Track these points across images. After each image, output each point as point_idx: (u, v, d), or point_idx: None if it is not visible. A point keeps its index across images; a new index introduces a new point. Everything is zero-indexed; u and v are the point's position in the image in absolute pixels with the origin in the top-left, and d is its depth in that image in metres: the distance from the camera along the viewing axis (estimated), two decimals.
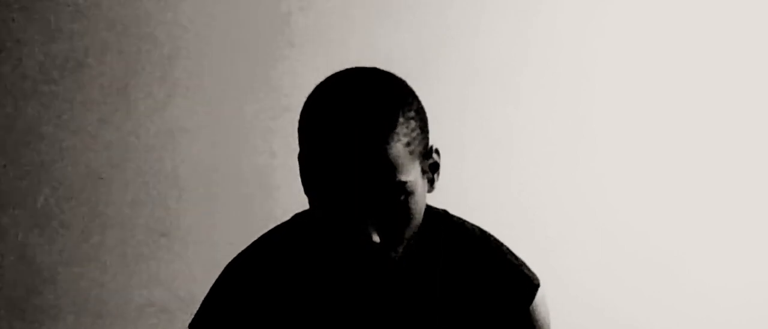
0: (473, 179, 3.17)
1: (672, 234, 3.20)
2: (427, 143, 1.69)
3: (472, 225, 1.84)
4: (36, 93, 3.13)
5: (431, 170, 1.71)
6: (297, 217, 1.84)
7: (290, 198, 3.09)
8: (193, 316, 1.86)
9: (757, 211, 3.19)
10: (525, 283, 1.81)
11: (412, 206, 1.65)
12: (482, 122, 3.16)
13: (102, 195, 3.15)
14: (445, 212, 1.83)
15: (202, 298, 1.85)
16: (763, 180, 3.19)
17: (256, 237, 1.86)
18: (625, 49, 3.17)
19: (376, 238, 1.63)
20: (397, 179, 1.61)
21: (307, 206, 1.79)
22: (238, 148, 3.15)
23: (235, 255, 1.87)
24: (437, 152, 1.72)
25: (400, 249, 1.68)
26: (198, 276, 3.15)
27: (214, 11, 3.13)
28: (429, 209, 1.81)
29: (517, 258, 1.83)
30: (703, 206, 3.19)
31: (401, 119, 1.62)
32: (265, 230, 1.88)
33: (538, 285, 1.81)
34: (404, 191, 1.63)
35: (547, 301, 1.85)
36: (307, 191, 1.68)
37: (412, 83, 1.75)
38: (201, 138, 3.15)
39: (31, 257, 3.15)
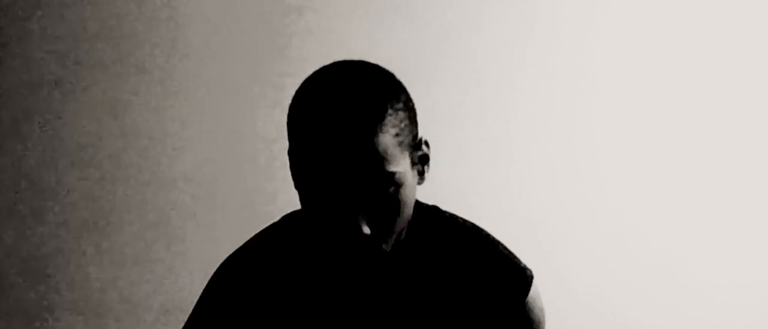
0: (473, 179, 3.17)
1: (672, 235, 3.20)
2: (417, 135, 1.69)
3: (464, 220, 1.84)
4: (36, 93, 3.13)
5: (421, 162, 1.71)
6: (286, 217, 1.84)
7: (290, 198, 3.09)
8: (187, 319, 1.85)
9: (757, 211, 3.19)
10: (519, 276, 1.81)
11: (402, 197, 1.65)
12: (482, 122, 3.16)
13: (102, 195, 3.15)
14: (435, 208, 1.83)
15: (202, 290, 1.85)
16: (763, 181, 3.19)
17: None
18: (626, 50, 3.17)
19: (366, 230, 1.63)
20: (387, 170, 1.62)
21: None
22: (238, 148, 3.15)
23: None
24: (427, 143, 1.72)
25: (391, 241, 1.68)
26: (198, 276, 3.15)
27: (213, 11, 3.13)
28: (419, 204, 1.81)
29: (509, 251, 1.83)
30: (702, 207, 3.19)
31: (389, 110, 1.62)
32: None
33: (532, 277, 1.81)
34: (394, 183, 1.63)
35: (540, 293, 1.85)
36: (297, 186, 1.68)
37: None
38: (201, 138, 3.15)
39: (32, 256, 3.15)
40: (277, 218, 1.89)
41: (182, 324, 3.15)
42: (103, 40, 3.13)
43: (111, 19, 3.13)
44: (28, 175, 3.14)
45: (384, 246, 1.67)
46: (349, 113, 1.60)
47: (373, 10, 3.14)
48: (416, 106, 1.71)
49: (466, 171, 3.16)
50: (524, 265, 1.82)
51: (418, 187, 1.72)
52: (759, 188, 3.19)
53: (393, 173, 1.63)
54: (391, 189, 1.64)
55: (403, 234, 1.71)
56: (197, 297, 3.11)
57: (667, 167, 3.19)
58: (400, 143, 1.63)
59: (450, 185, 3.14)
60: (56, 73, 3.13)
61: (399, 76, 1.72)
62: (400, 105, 1.65)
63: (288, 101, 3.12)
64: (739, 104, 3.18)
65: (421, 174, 1.72)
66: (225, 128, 3.15)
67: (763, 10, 3.16)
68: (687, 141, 3.18)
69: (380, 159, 1.61)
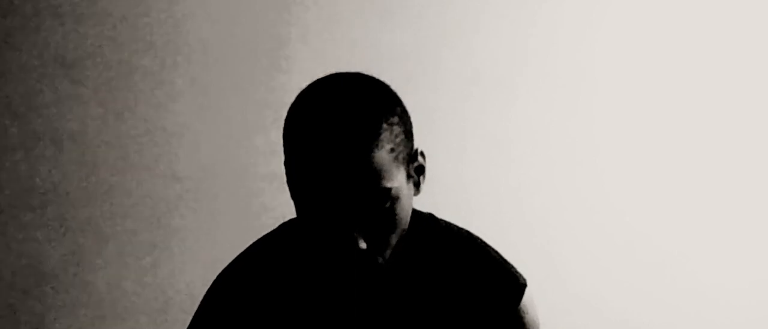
0: (473, 179, 3.17)
1: (672, 234, 3.20)
2: (412, 147, 1.69)
3: (458, 228, 1.84)
4: (36, 93, 3.14)
5: (417, 174, 1.71)
6: (284, 226, 1.83)
7: (290, 199, 3.09)
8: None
9: (758, 211, 3.19)
10: (512, 283, 1.81)
11: (399, 211, 1.66)
12: (482, 122, 3.17)
13: (102, 195, 3.15)
14: (430, 216, 1.83)
15: (201, 299, 1.85)
16: (763, 180, 3.19)
17: (255, 239, 1.86)
18: (625, 50, 3.17)
19: (362, 244, 1.63)
20: (383, 185, 1.62)
21: None
22: (238, 148, 3.15)
23: (235, 255, 1.86)
24: (422, 154, 1.72)
25: (388, 254, 1.68)
26: (198, 276, 3.16)
27: (213, 12, 3.13)
28: (415, 213, 1.81)
29: (503, 258, 1.83)
30: (702, 207, 3.19)
31: (384, 126, 1.62)
32: (264, 231, 1.88)
33: (525, 285, 1.82)
34: (390, 198, 1.64)
35: (534, 301, 1.85)
36: (293, 198, 1.68)
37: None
38: (201, 138, 3.15)
39: (32, 256, 3.16)
40: (276, 220, 1.89)
41: (182, 325, 3.16)
42: (103, 40, 3.13)
43: (111, 19, 3.13)
44: (28, 175, 3.15)
45: (380, 260, 1.67)
46: (344, 131, 1.59)
47: (373, 10, 3.14)
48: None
49: (465, 171, 3.17)
50: (518, 273, 1.83)
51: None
52: (759, 188, 3.19)
53: (389, 189, 1.63)
54: (388, 204, 1.64)
55: (400, 245, 1.71)
56: (196, 297, 3.11)
57: (667, 166, 3.19)
58: (396, 158, 1.63)
59: (450, 185, 3.14)
60: (56, 73, 3.13)
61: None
62: (396, 119, 1.64)
63: (288, 101, 3.12)
64: (739, 104, 3.18)
65: (418, 186, 1.72)
66: (225, 129, 3.15)
67: (763, 10, 3.16)
68: (687, 141, 3.18)
69: (376, 176, 1.61)
